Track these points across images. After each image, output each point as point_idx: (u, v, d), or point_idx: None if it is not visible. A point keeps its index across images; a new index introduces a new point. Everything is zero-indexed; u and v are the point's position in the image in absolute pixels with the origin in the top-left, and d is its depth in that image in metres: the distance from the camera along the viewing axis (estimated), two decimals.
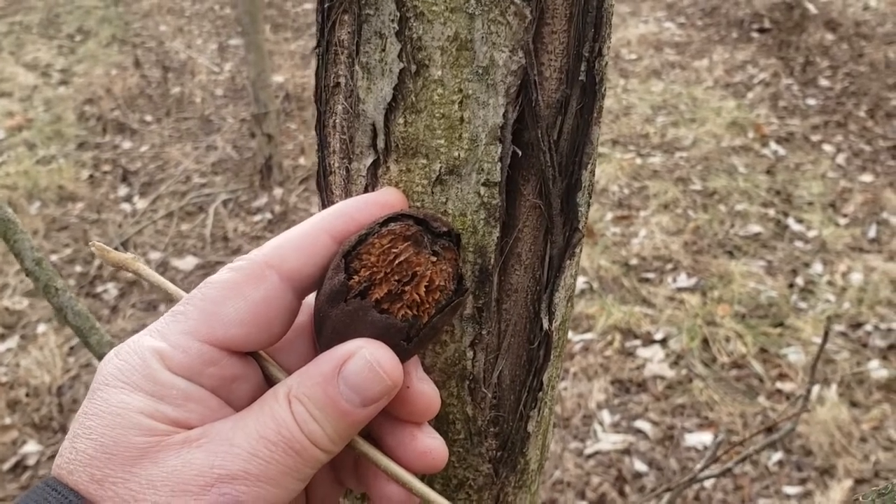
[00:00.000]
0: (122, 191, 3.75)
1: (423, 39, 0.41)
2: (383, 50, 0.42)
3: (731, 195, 3.38)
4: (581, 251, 0.49)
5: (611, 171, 3.61)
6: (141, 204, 3.63)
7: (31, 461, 2.35)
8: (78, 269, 3.20)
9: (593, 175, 0.47)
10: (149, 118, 4.40)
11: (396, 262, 0.39)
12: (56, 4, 5.99)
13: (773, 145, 3.76)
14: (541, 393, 0.50)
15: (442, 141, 0.43)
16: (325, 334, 0.40)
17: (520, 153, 0.43)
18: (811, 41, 4.66)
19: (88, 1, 6.06)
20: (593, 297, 2.83)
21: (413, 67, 0.42)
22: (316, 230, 0.42)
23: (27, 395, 2.58)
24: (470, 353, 0.47)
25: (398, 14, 0.41)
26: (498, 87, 0.42)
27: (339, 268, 0.39)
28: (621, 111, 4.18)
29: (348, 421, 0.38)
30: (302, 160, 3.90)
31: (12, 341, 2.81)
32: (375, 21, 0.42)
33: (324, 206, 0.49)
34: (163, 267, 3.19)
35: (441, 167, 0.43)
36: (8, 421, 2.48)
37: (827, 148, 3.70)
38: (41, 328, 2.86)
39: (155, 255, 3.25)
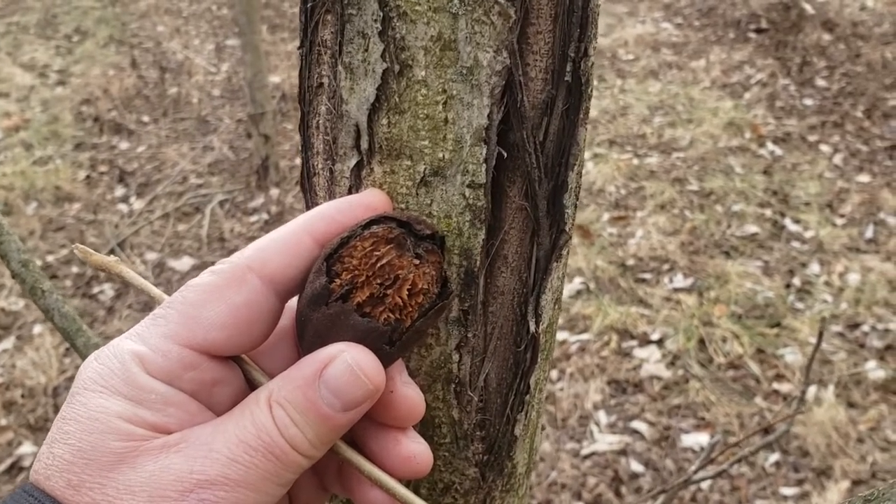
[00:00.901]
0: (119, 191, 3.74)
1: (407, 39, 0.41)
2: (366, 50, 0.42)
3: (727, 195, 3.38)
4: (568, 253, 0.48)
5: (607, 171, 3.61)
6: (137, 205, 3.62)
7: (26, 462, 2.34)
8: (74, 269, 3.20)
9: (580, 176, 0.46)
10: (146, 119, 4.39)
11: (379, 265, 0.38)
12: (53, 5, 5.98)
13: (770, 145, 3.76)
14: (528, 396, 0.49)
15: (426, 142, 0.42)
16: (307, 338, 0.40)
17: (505, 154, 0.43)
18: (808, 41, 4.65)
19: (86, 1, 6.05)
20: (590, 298, 2.83)
21: (396, 68, 0.41)
22: (298, 232, 0.41)
23: (23, 396, 2.57)
24: (456, 356, 0.46)
25: (381, 14, 0.41)
26: (482, 87, 0.41)
27: (321, 271, 0.39)
28: (618, 111, 4.17)
29: (329, 425, 0.37)
30: (298, 161, 3.89)
31: (8, 342, 2.80)
32: (358, 21, 0.41)
33: (308, 207, 0.48)
34: (159, 268, 3.18)
35: (425, 168, 0.43)
36: (3, 422, 2.48)
37: (824, 148, 3.70)
38: (37, 329, 2.85)
39: (151, 256, 3.25)
